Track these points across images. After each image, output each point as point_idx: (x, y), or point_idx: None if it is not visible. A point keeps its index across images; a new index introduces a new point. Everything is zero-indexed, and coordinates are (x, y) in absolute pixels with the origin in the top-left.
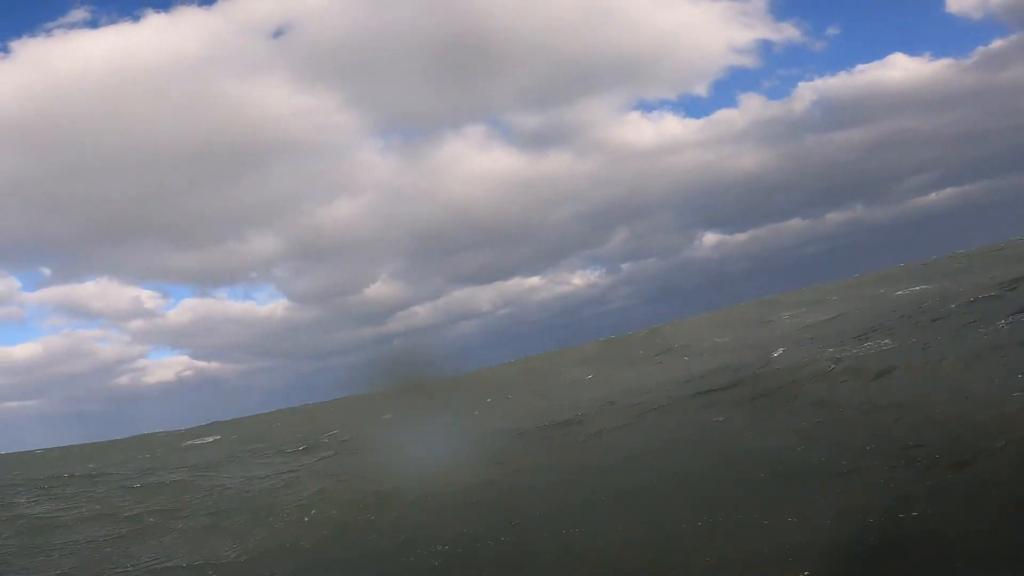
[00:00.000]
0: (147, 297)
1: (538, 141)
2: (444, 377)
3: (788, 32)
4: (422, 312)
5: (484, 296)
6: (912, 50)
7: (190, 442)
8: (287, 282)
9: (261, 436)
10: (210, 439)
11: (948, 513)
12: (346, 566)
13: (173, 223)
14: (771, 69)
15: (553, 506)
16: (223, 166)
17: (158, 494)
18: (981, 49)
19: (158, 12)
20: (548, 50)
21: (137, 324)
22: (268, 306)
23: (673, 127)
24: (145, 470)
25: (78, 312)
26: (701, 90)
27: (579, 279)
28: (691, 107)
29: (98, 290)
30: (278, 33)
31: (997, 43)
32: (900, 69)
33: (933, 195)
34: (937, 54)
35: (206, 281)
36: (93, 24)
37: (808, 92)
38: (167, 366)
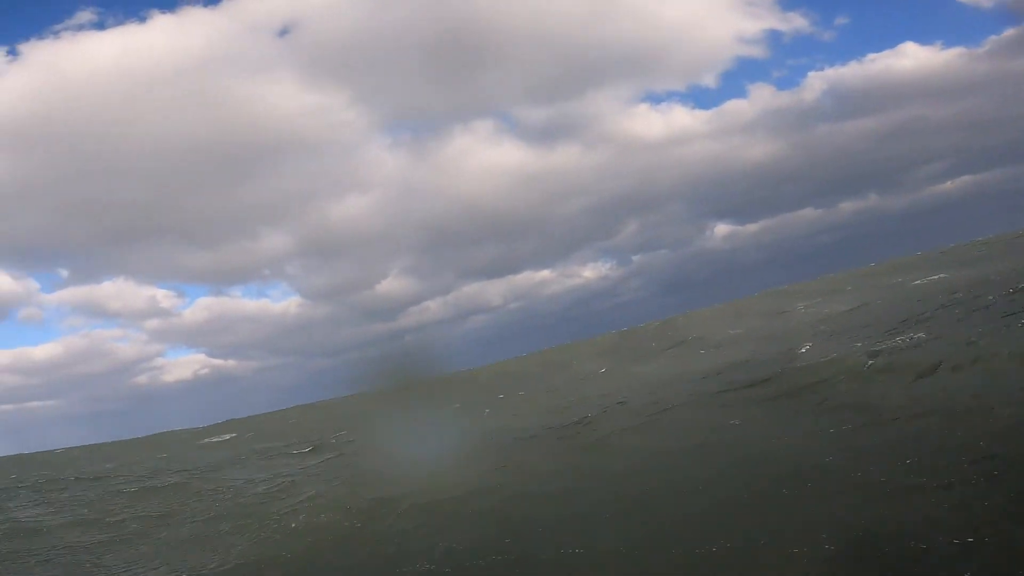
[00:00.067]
0: (163, 296)
1: (546, 134)
2: (457, 372)
3: (796, 22)
4: (433, 307)
5: (495, 290)
6: (923, 39)
7: (207, 440)
8: (300, 279)
9: (274, 434)
10: (226, 437)
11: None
12: None
13: (186, 222)
14: (780, 59)
15: (555, 517)
16: (233, 165)
17: (150, 499)
18: (993, 38)
19: (164, 13)
20: (555, 43)
21: (154, 323)
22: (282, 303)
23: (682, 118)
24: (150, 472)
25: (96, 312)
26: (710, 81)
27: (590, 272)
28: (700, 98)
29: (115, 290)
30: (284, 32)
31: (1009, 32)
32: (911, 58)
33: (949, 183)
34: (948, 43)
35: (220, 280)
36: (100, 26)
37: (818, 82)
38: (184, 364)
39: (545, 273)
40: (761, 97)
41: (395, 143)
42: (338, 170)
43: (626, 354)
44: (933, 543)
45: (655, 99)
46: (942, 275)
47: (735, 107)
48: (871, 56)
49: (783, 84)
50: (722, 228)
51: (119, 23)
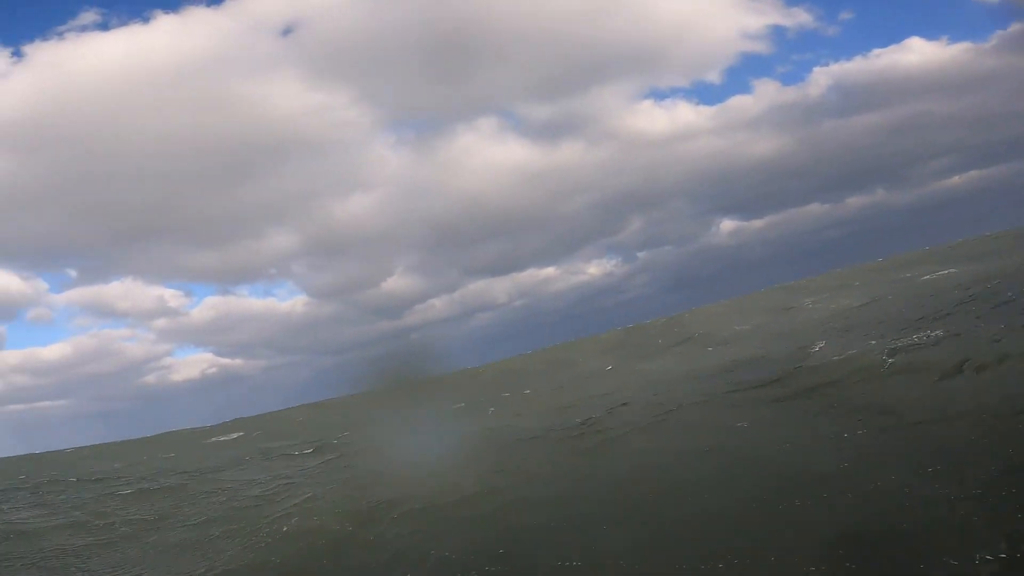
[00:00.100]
0: (171, 296)
1: (550, 131)
2: (462, 370)
3: (800, 17)
4: (439, 305)
5: (500, 287)
6: (929, 34)
7: (214, 439)
8: (305, 278)
9: (280, 433)
10: (234, 436)
11: None
12: None
13: (192, 222)
14: (784, 55)
15: (553, 524)
16: (238, 165)
17: (145, 502)
18: (1000, 33)
19: (167, 13)
20: (558, 40)
21: (162, 323)
22: (288, 302)
23: (686, 114)
24: (150, 474)
25: (104, 312)
26: (714, 77)
27: (595, 268)
28: (704, 94)
29: (123, 290)
30: (287, 31)
31: (1015, 26)
32: (917, 53)
33: (956, 178)
34: (955, 38)
35: (227, 279)
36: (104, 26)
37: (824, 77)
38: (192, 364)
39: (550, 270)
40: (766, 93)
41: (399, 141)
42: (342, 169)
43: (632, 351)
44: (962, 559)
45: (659, 95)
46: (951, 270)
47: (740, 103)
48: (876, 51)
49: (788, 80)
50: (728, 224)
51: (123, 24)
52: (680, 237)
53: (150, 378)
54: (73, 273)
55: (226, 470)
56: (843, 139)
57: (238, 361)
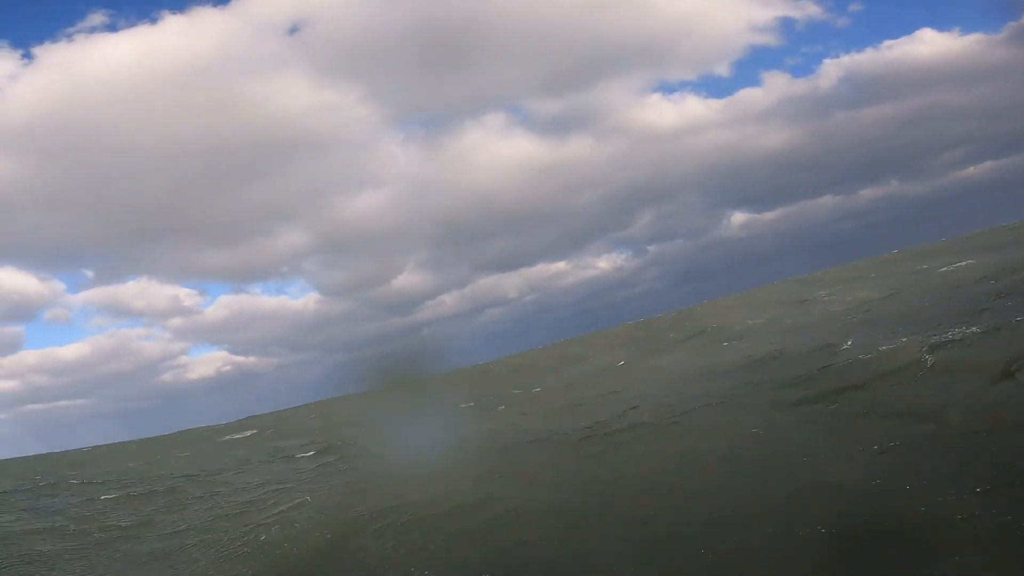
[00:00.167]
0: (185, 295)
1: (558, 126)
2: (473, 366)
3: (809, 9)
4: (449, 301)
5: (510, 283)
6: (940, 25)
7: (228, 437)
8: (317, 275)
9: (291, 431)
10: (247, 434)
11: None
12: None
13: (205, 221)
14: (794, 47)
15: (549, 539)
16: (248, 163)
17: (129, 507)
18: (1012, 24)
19: (174, 13)
20: (565, 34)
21: (177, 322)
22: (300, 300)
23: (695, 108)
24: (149, 477)
25: (121, 312)
26: (722, 70)
27: (605, 263)
28: (713, 87)
29: (139, 289)
30: (293, 30)
31: None
32: (929, 44)
33: (972, 168)
34: (966, 29)
35: (240, 277)
36: (112, 28)
37: (834, 69)
38: (207, 362)
39: (560, 265)
40: (776, 85)
41: (407, 138)
42: (352, 167)
43: (644, 346)
44: None
45: (667, 89)
46: (969, 261)
47: (749, 95)
48: (887, 43)
49: (798, 72)
50: (739, 217)
51: (131, 25)
52: (690, 230)
53: (166, 376)
54: (89, 273)
55: (224, 472)
56: (855, 131)
57: (252, 359)
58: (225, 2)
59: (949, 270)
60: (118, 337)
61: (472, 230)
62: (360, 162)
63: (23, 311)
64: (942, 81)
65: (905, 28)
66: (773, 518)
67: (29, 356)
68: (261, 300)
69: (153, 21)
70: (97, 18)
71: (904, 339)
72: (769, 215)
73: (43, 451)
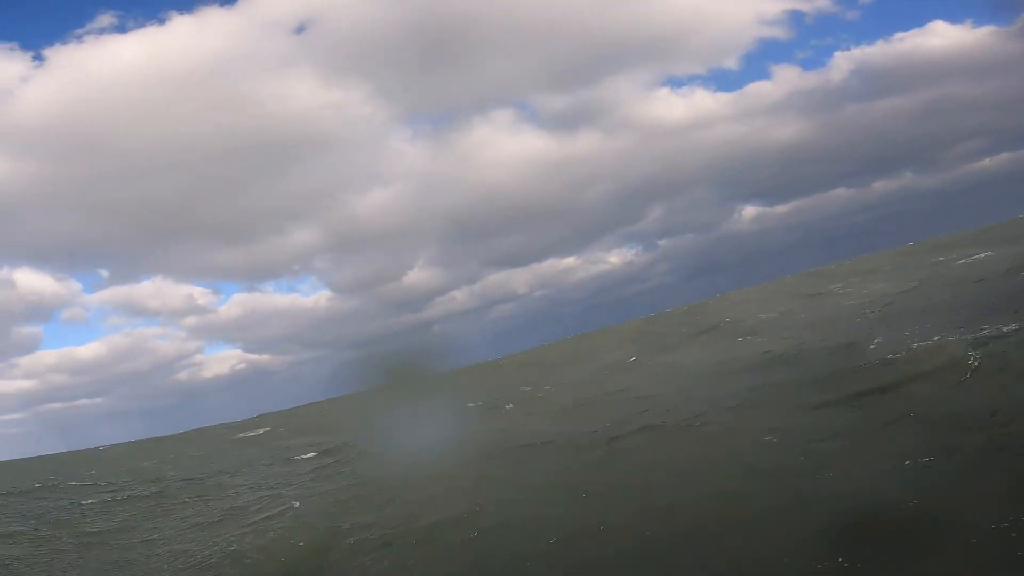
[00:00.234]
0: (199, 294)
1: (566, 122)
2: (483, 363)
3: (819, 2)
4: (460, 297)
5: (520, 279)
6: (953, 17)
7: (241, 435)
8: (328, 273)
9: (301, 429)
10: (260, 431)
11: None
12: None
13: (216, 220)
14: (803, 40)
15: (543, 556)
16: (258, 162)
17: (107, 513)
18: None
19: (182, 14)
20: (572, 30)
21: (192, 320)
22: (312, 297)
23: (704, 101)
24: (146, 479)
25: (136, 311)
26: (731, 63)
27: (615, 257)
28: (722, 81)
29: (153, 289)
30: (300, 29)
31: None
32: (941, 36)
33: (987, 160)
34: (979, 21)
35: (253, 275)
36: (121, 29)
37: (845, 62)
38: (222, 360)
39: (570, 260)
40: (786, 78)
41: (416, 135)
42: (360, 164)
43: (655, 341)
44: None
45: (676, 83)
46: (988, 253)
47: (759, 89)
48: (899, 35)
49: (808, 65)
50: (750, 210)
51: (139, 26)
52: (701, 224)
53: (182, 375)
54: (105, 273)
55: (223, 475)
56: (867, 123)
57: (266, 357)
58: (232, 2)
59: (968, 262)
60: (134, 336)
61: (481, 226)
62: (369, 160)
63: (40, 311)
64: (955, 73)
65: (917, 20)
66: (788, 543)
67: (47, 356)
68: (273, 298)
69: (161, 22)
70: (106, 19)
71: (937, 336)
72: (781, 208)
73: (62, 450)
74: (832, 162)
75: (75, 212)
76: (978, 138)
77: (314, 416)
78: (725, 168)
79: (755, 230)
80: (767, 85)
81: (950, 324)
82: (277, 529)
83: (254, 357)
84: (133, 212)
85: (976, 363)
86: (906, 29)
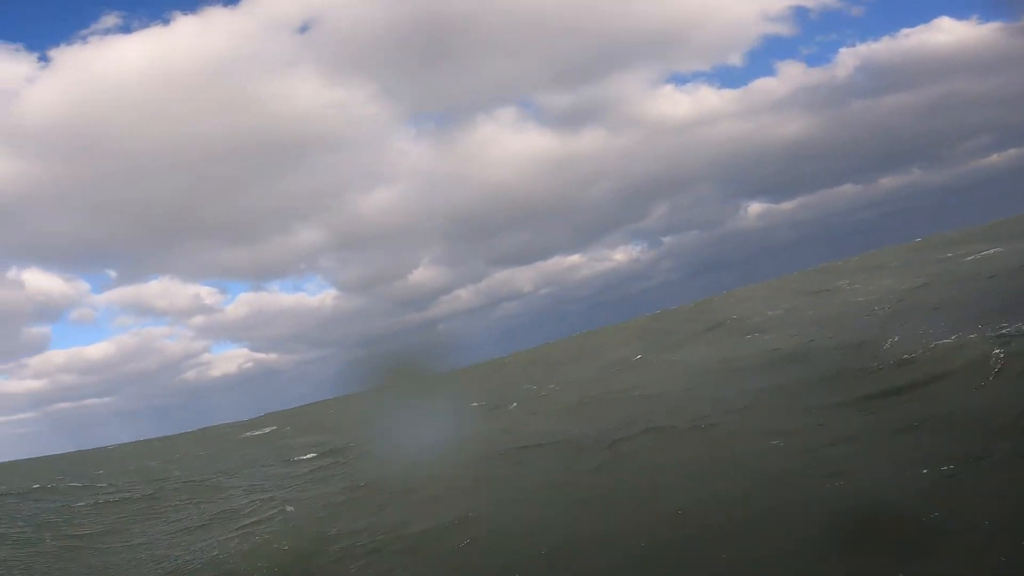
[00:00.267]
0: (206, 294)
1: (570, 119)
2: (489, 361)
3: None
4: (465, 295)
5: (525, 276)
6: (958, 13)
7: (247, 434)
8: (334, 272)
9: (306, 428)
10: (266, 430)
11: None
12: None
13: (222, 220)
14: (808, 36)
15: (532, 562)
16: (262, 162)
17: (96, 516)
18: None
19: (186, 14)
20: (575, 27)
21: (199, 320)
22: (318, 296)
23: (709, 98)
24: (143, 480)
25: (144, 311)
26: (735, 60)
27: (620, 255)
28: (726, 77)
29: (161, 289)
30: (303, 28)
31: None
32: (947, 32)
33: (995, 156)
34: (985, 17)
35: (259, 275)
36: (125, 29)
37: (850, 58)
38: (229, 359)
39: (575, 258)
40: (791, 75)
41: (419, 134)
42: (365, 163)
43: (661, 339)
44: None
45: (680, 80)
46: (997, 249)
47: (763, 85)
48: (905, 31)
49: (813, 61)
50: (755, 207)
51: (144, 26)
52: (706, 221)
53: (190, 374)
54: (113, 273)
55: (222, 476)
56: (873, 120)
57: (273, 356)
58: (235, 2)
59: (977, 259)
60: (142, 336)
61: (486, 224)
62: (373, 159)
63: (49, 311)
64: (961, 69)
65: (922, 16)
66: (796, 558)
67: (56, 356)
68: (280, 297)
69: (165, 22)
70: (110, 20)
71: (955, 335)
72: (787, 205)
73: (72, 449)
74: (838, 158)
75: (82, 213)
76: (985, 134)
77: (319, 415)
78: (730, 165)
79: (760, 227)
80: (772, 82)
81: (966, 322)
82: (264, 534)
83: (261, 356)
84: (140, 212)
85: (1000, 363)
86: (912, 25)
